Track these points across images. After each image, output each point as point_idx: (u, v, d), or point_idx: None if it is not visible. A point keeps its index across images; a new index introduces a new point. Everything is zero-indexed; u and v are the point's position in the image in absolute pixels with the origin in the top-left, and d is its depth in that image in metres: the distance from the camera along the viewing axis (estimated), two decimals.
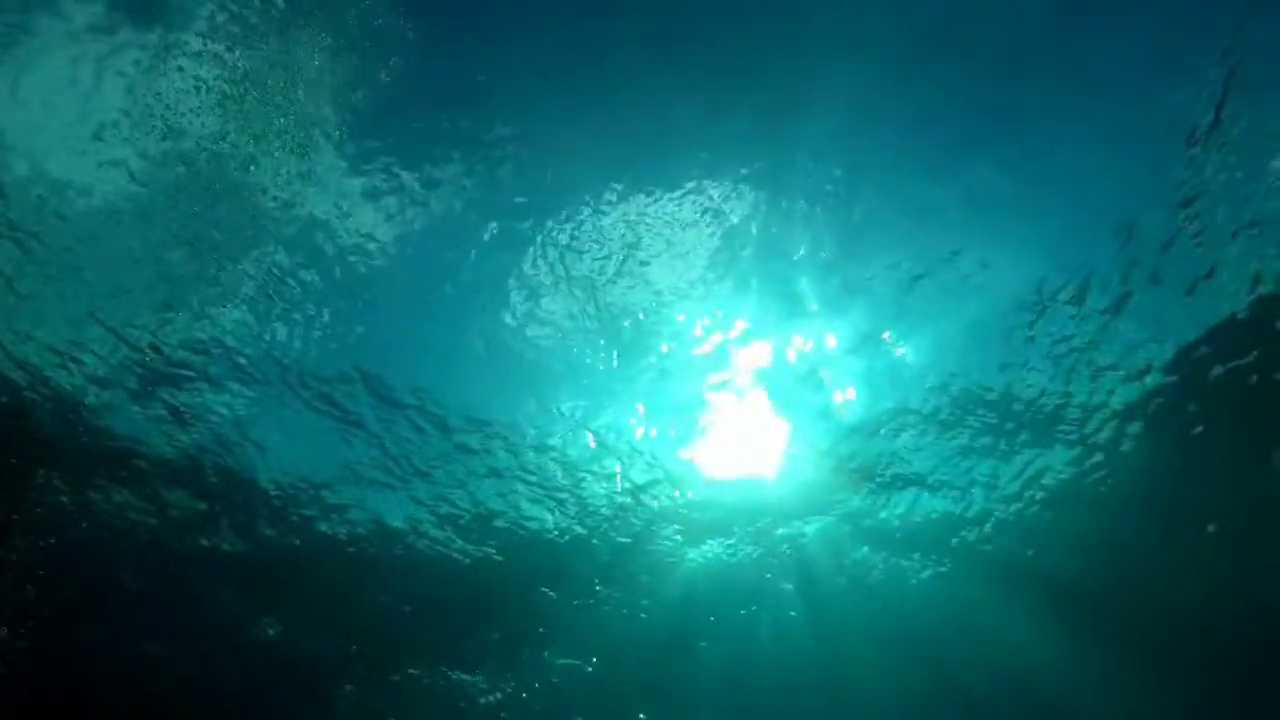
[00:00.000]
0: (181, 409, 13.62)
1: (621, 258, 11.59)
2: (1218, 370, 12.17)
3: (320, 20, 9.78)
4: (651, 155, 10.77)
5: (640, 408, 13.24)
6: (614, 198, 11.09)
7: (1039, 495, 14.49)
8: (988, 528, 15.14)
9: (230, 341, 12.76)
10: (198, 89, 9.97)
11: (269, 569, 16.57)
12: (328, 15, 9.75)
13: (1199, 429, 12.98)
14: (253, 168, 10.83)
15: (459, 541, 15.82)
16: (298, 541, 15.88)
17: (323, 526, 15.58)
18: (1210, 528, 14.60)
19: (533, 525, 15.45)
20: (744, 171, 10.83)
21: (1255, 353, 11.82)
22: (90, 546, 16.39)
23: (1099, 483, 14.10)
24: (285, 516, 15.41)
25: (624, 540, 15.73)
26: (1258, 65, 9.38)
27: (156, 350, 12.73)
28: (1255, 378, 12.17)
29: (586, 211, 11.30)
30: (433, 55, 10.13)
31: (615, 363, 12.67)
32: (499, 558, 16.18)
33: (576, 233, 11.45)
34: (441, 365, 12.99)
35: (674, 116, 10.44)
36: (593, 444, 13.75)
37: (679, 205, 11.09)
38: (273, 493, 15.03)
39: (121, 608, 17.87)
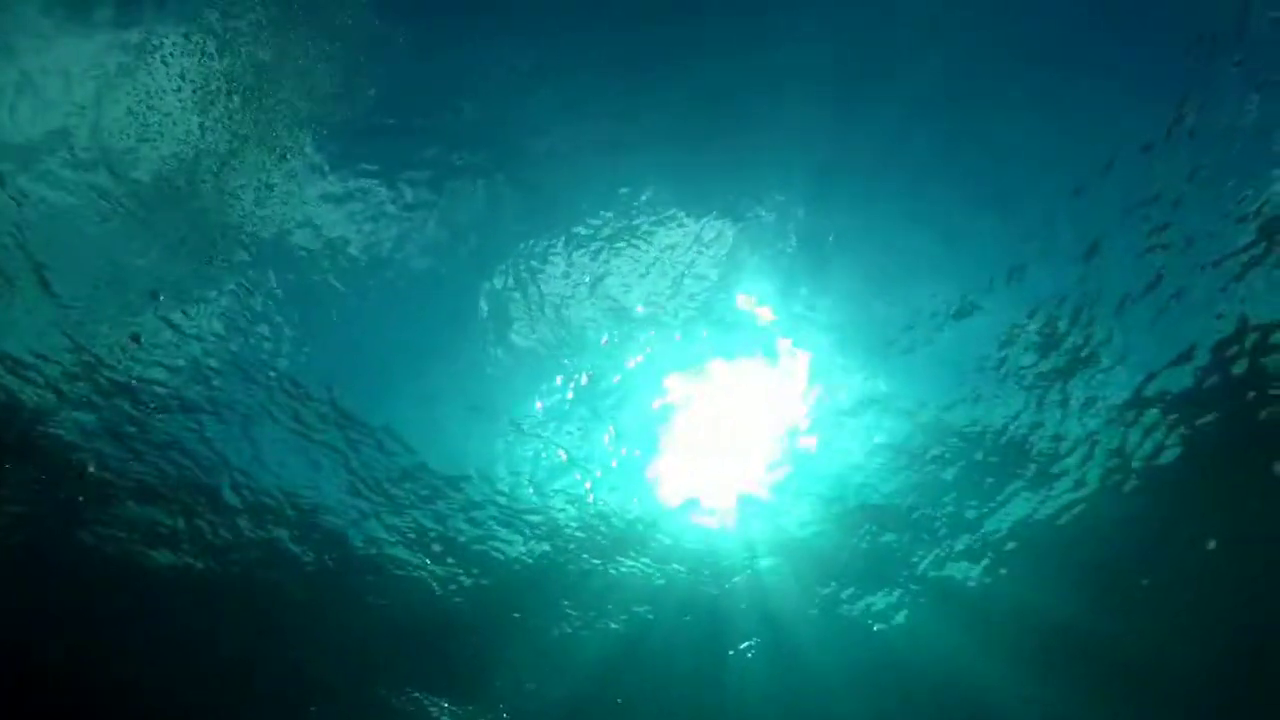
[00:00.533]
0: (146, 421, 13.46)
1: (594, 278, 11.57)
2: (1186, 401, 12.26)
3: (303, 28, 9.70)
4: (628, 181, 10.74)
5: (611, 428, 13.19)
6: (591, 219, 11.06)
7: (1006, 524, 14.51)
8: (957, 553, 15.13)
9: (198, 353, 12.64)
10: (178, 90, 9.82)
11: (234, 587, 16.36)
12: (312, 22, 9.68)
13: (1169, 456, 13.05)
14: (226, 178, 10.75)
15: (428, 562, 15.67)
16: (263, 559, 15.68)
17: (289, 544, 15.39)
18: (1188, 555, 14.67)
19: (501, 545, 15.32)
20: (718, 202, 10.84)
21: (1219, 382, 11.94)
22: (51, 559, 16.15)
23: (1067, 508, 14.13)
24: (251, 534, 15.22)
25: (593, 562, 15.61)
26: (1222, 106, 9.51)
27: (122, 360, 12.60)
28: (1220, 409, 12.29)
29: (560, 231, 11.28)
30: (417, 68, 10.04)
31: (584, 382, 12.64)
32: (466, 579, 16.04)
33: (550, 252, 11.42)
34: (411, 383, 12.91)
35: (650, 144, 10.44)
36: (564, 457, 13.67)
37: (653, 230, 11.09)
38: (238, 508, 14.86)
39: (83, 622, 17.59)
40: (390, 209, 11.16)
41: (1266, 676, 16.87)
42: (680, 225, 11.03)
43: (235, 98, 10.02)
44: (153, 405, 13.29)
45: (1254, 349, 11.48)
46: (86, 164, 10.43)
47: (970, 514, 14.34)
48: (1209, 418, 12.40)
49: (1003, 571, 15.26)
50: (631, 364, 12.37)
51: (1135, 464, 13.22)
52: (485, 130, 10.54)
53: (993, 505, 14.15)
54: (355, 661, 18.33)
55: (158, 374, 12.82)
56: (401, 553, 15.44)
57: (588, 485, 14.11)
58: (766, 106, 10.03)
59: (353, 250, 11.56)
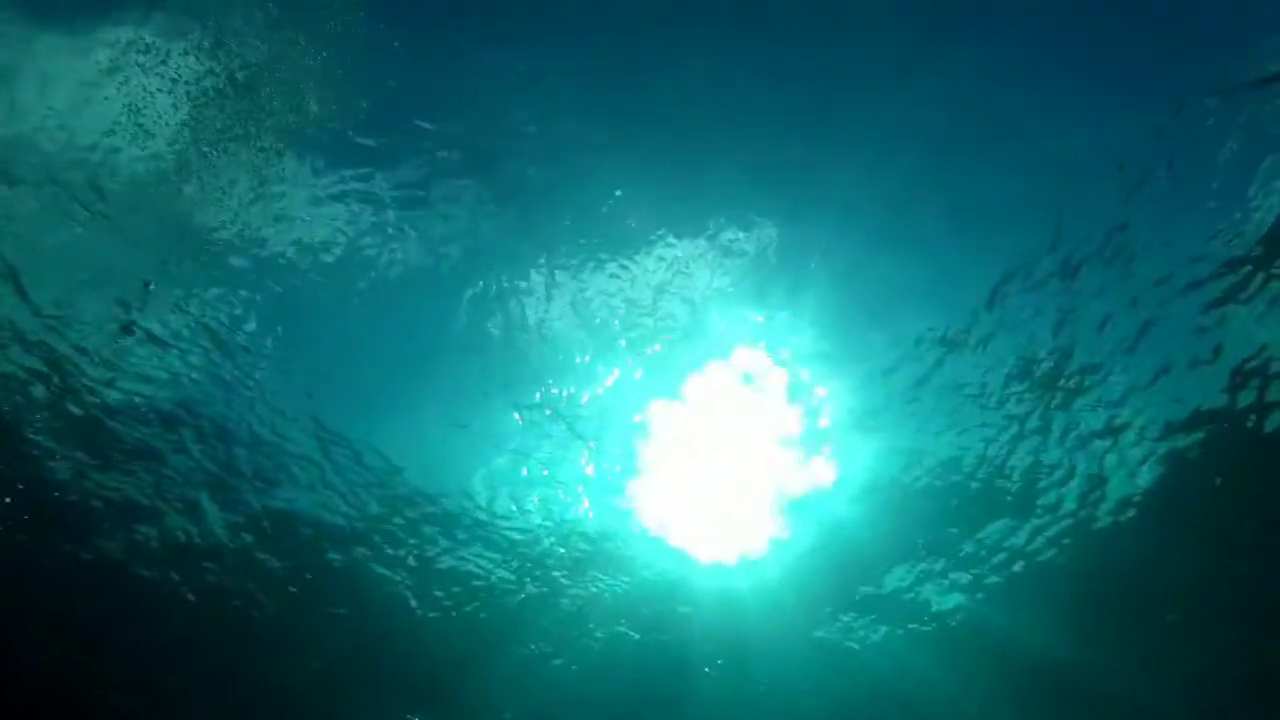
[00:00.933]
0: (122, 431, 13.35)
1: (576, 297, 11.53)
2: (1166, 428, 12.29)
3: (294, 35, 9.57)
4: (614, 202, 10.70)
5: (590, 445, 13.15)
6: (576, 237, 11.03)
7: (987, 550, 14.51)
8: (936, 577, 15.11)
9: (176, 362, 12.55)
10: (170, 91, 9.67)
11: (209, 597, 16.21)
12: (303, 29, 9.56)
13: (1149, 482, 13.05)
14: (210, 184, 10.63)
15: (404, 576, 15.58)
16: (239, 570, 15.56)
17: (265, 556, 15.29)
18: (1169, 580, 14.68)
19: (477, 560, 15.24)
20: (701, 225, 10.83)
21: (1199, 409, 11.98)
22: (26, 568, 16.02)
23: (1047, 534, 14.11)
24: (227, 545, 15.11)
25: (570, 579, 15.53)
26: (1200, 140, 9.56)
27: (110, 353, 12.47)
28: (1200, 436, 12.32)
29: (543, 248, 11.26)
30: (407, 80, 9.96)
31: (564, 399, 12.60)
32: (440, 592, 15.95)
33: (534, 269, 11.40)
34: (390, 396, 12.86)
35: (636, 166, 10.43)
36: (545, 474, 13.62)
37: (637, 251, 11.06)
38: (214, 519, 14.76)
39: (55, 630, 17.43)
40: (374, 219, 11.14)
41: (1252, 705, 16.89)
42: (667, 246, 11.01)
43: (224, 103, 9.93)
44: (129, 414, 13.18)
45: (1231, 378, 11.52)
46: (65, 166, 10.30)
47: (952, 540, 14.33)
48: (1190, 445, 12.43)
49: (979, 596, 15.26)
50: (611, 383, 12.34)
51: (1115, 490, 13.24)
52: (473, 144, 10.52)
53: (974, 531, 14.15)
54: (330, 675, 18.18)
55: (134, 384, 12.72)
56: (378, 567, 15.35)
57: (567, 500, 14.05)
58: (749, 129, 10.08)
59: (334, 261, 11.50)
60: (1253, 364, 11.29)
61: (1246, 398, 11.65)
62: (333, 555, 15.14)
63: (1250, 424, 12.04)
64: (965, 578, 14.90)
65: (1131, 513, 13.46)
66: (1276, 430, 12.03)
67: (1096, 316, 11.17)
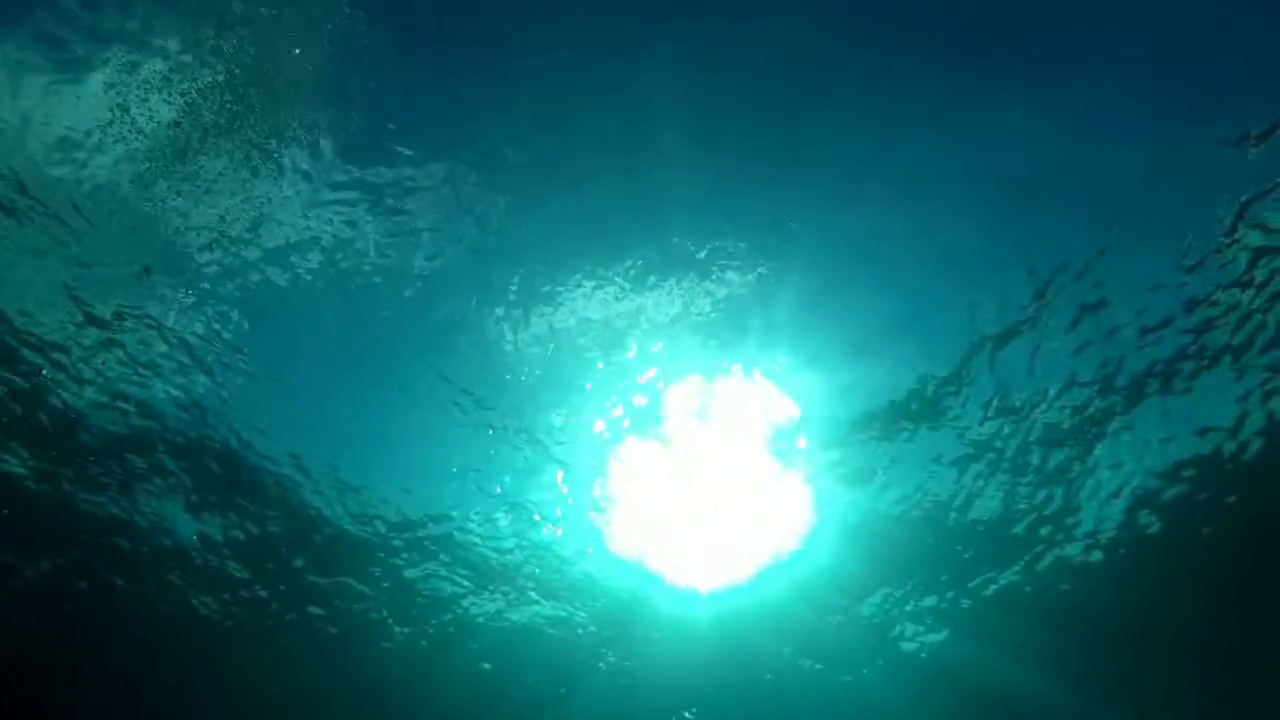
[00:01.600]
0: (96, 448, 13.20)
1: (552, 323, 11.48)
2: (1149, 472, 12.41)
3: (287, 42, 9.42)
4: (599, 234, 10.72)
5: (563, 471, 13.18)
6: (558, 267, 11.00)
7: (970, 590, 14.60)
8: (915, 614, 15.17)
9: (150, 378, 12.44)
10: (164, 89, 9.48)
11: (186, 616, 16.07)
12: (297, 38, 9.39)
13: (1120, 513, 13.10)
14: (186, 194, 10.49)
15: (377, 593, 15.53)
16: (212, 586, 15.44)
17: (239, 571, 15.18)
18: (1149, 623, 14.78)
19: (447, 579, 15.21)
20: (690, 255, 10.79)
21: (1181, 454, 12.08)
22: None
23: (1015, 560, 14.13)
24: (200, 560, 14.97)
25: (542, 600, 15.52)
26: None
27: (76, 381, 12.34)
28: (1180, 480, 12.39)
29: (522, 269, 11.19)
30: (402, 93, 9.88)
31: (538, 424, 12.60)
32: (412, 609, 15.87)
33: (510, 292, 11.32)
34: (362, 416, 12.81)
35: (621, 198, 10.40)
36: (517, 500, 13.61)
37: (615, 279, 11.04)
38: (195, 528, 14.63)
39: (23, 645, 17.24)
40: (351, 235, 11.06)
41: None
42: (646, 273, 10.95)
43: (215, 103, 9.76)
44: (103, 424, 13.03)
45: (1207, 414, 11.59)
46: (41, 168, 10.09)
47: (929, 569, 14.36)
48: (1164, 481, 12.49)
49: (955, 625, 15.30)
50: (586, 406, 12.33)
51: (1089, 522, 13.29)
52: (453, 168, 10.42)
53: (951, 561, 14.16)
54: (303, 687, 18.08)
55: (109, 395, 12.59)
56: (351, 580, 15.28)
57: (540, 519, 14.01)
58: (727, 157, 10.05)
59: (311, 277, 11.41)
60: (1228, 398, 11.35)
61: (1220, 435, 11.72)
62: (306, 567, 15.04)
63: (1226, 458, 12.09)
64: (942, 605, 14.92)
65: (1105, 544, 13.51)
66: (1252, 466, 12.10)
67: (1071, 348, 11.20)
